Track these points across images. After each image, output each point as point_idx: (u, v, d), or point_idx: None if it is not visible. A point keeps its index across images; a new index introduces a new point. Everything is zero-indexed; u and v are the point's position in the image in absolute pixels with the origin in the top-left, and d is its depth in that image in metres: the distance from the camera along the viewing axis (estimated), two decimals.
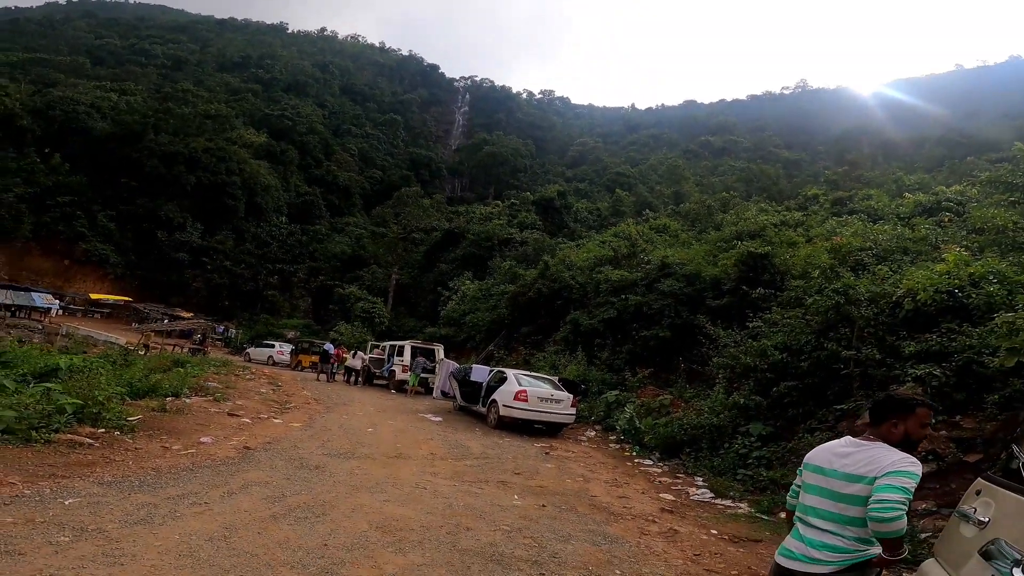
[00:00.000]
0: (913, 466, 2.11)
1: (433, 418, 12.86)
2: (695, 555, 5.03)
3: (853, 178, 47.10)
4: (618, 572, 4.40)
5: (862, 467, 2.18)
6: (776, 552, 2.41)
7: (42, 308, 34.45)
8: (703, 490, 7.88)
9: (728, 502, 7.35)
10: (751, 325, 11.41)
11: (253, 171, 57.62)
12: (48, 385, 7.62)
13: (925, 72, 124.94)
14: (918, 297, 8.21)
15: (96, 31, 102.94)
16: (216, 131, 59.18)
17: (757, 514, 6.83)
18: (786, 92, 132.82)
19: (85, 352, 16.39)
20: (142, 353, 22.59)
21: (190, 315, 43.82)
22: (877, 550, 2.16)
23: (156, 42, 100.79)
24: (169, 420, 8.56)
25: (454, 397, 14.69)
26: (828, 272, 10.30)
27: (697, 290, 15.46)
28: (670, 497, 7.47)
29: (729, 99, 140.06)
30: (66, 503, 4.45)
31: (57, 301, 39.28)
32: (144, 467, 5.94)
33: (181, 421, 8.61)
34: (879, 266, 10.44)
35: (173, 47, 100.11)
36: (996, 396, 6.08)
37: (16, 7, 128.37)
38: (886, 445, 2.22)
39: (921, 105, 79.01)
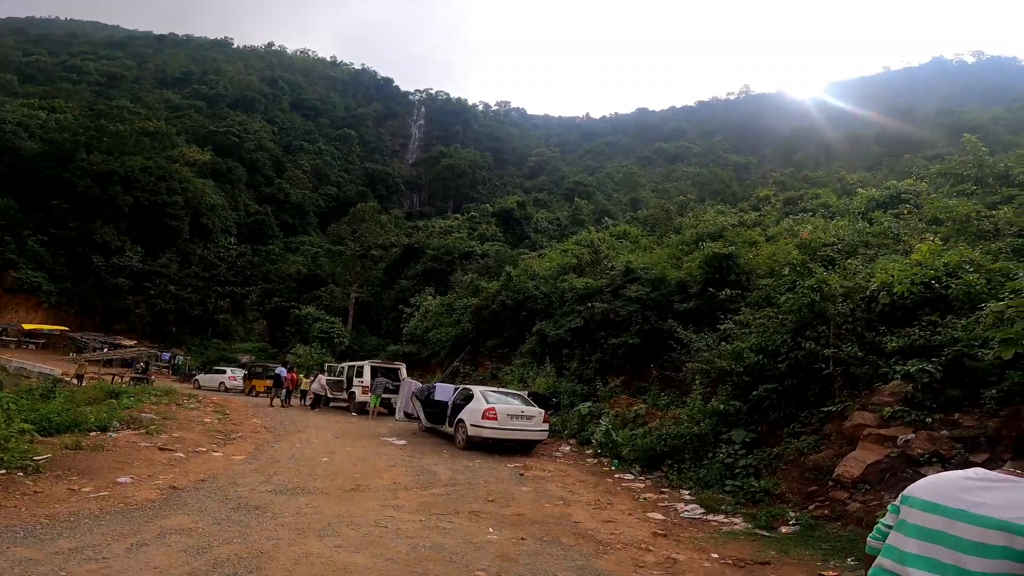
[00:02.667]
0: None
1: (396, 442, 11.93)
2: None
3: (800, 179, 49.08)
4: None
5: (1011, 508, 1.58)
6: None
7: None
8: (692, 506, 7.32)
9: (721, 517, 6.81)
10: (722, 327, 11.12)
11: (197, 190, 54.77)
12: None
13: (856, 74, 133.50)
14: (894, 290, 8.00)
15: (25, 47, 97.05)
16: (155, 149, 56.08)
17: (756, 530, 6.29)
18: (731, 97, 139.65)
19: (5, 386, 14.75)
20: (75, 384, 20.76)
21: (133, 343, 41.16)
22: None
23: (89, 58, 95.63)
24: (85, 458, 7.46)
25: (418, 418, 13.78)
26: (799, 268, 10.07)
27: (663, 294, 15.15)
28: (659, 516, 6.85)
29: (679, 105, 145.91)
30: None
31: None
32: (38, 514, 4.98)
33: (99, 459, 7.50)
34: (848, 260, 10.30)
35: (107, 63, 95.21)
36: (994, 391, 5.77)
37: None
38: None
39: (855, 106, 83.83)
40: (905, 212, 14.33)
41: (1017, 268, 7.38)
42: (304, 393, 20.51)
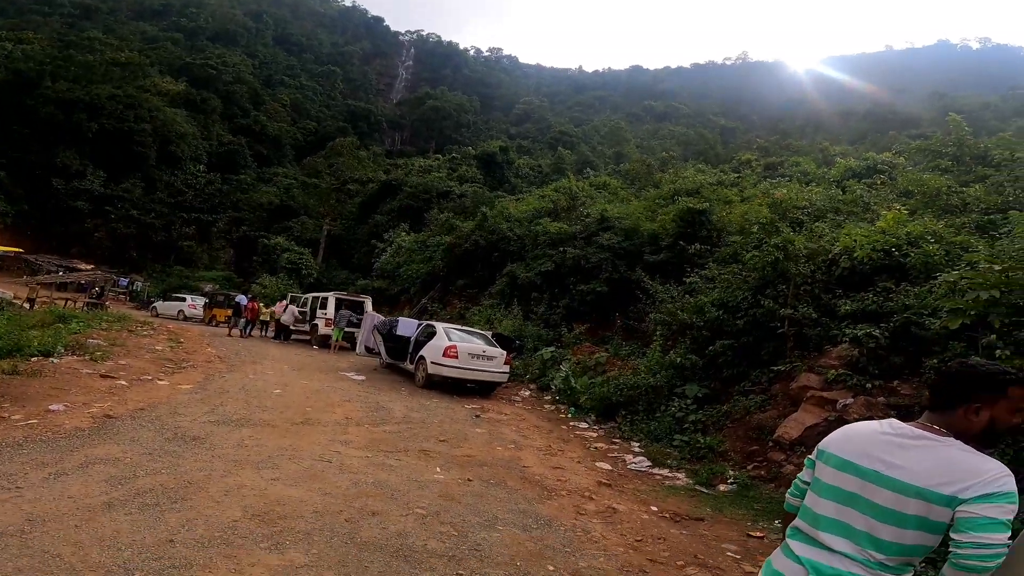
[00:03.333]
0: (1011, 481, 1.43)
1: (355, 377, 11.83)
2: (636, 540, 4.46)
3: (783, 146, 49.08)
4: (551, 568, 3.71)
5: (935, 476, 1.46)
6: (760, 573, 1.70)
7: None
8: (640, 458, 7.43)
9: (666, 472, 6.93)
10: (688, 281, 11.17)
11: (168, 119, 52.53)
12: None
13: (857, 50, 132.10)
14: (855, 255, 8.06)
15: None
16: (125, 79, 53.60)
17: (696, 486, 6.43)
18: (728, 63, 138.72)
19: None
20: (27, 308, 19.94)
21: (90, 267, 39.65)
22: None
23: None
24: (20, 384, 7.11)
25: (380, 354, 13.65)
26: (768, 227, 10.03)
27: (635, 245, 15.15)
28: (607, 467, 6.96)
29: (674, 66, 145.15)
30: None
31: None
32: None
33: (35, 385, 7.16)
34: (816, 223, 10.30)
35: None
36: (935, 360, 5.86)
37: None
38: (960, 443, 1.52)
39: (852, 81, 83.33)
40: (879, 183, 14.37)
41: (978, 243, 7.43)
42: (266, 324, 20.05)
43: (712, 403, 8.57)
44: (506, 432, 8.22)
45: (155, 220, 45.58)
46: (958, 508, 1.40)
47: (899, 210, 9.14)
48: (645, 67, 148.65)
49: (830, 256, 8.62)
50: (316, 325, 18.07)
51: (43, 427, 5.46)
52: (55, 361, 8.98)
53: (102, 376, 8.41)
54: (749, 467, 6.87)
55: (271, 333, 19.77)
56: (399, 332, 12.62)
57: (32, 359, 8.81)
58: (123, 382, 8.15)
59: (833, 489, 1.59)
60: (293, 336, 19.07)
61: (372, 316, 15.67)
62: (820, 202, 12.60)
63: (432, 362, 11.05)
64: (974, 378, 1.55)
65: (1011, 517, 1.39)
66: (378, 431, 7.19)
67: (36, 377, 7.56)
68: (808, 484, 1.72)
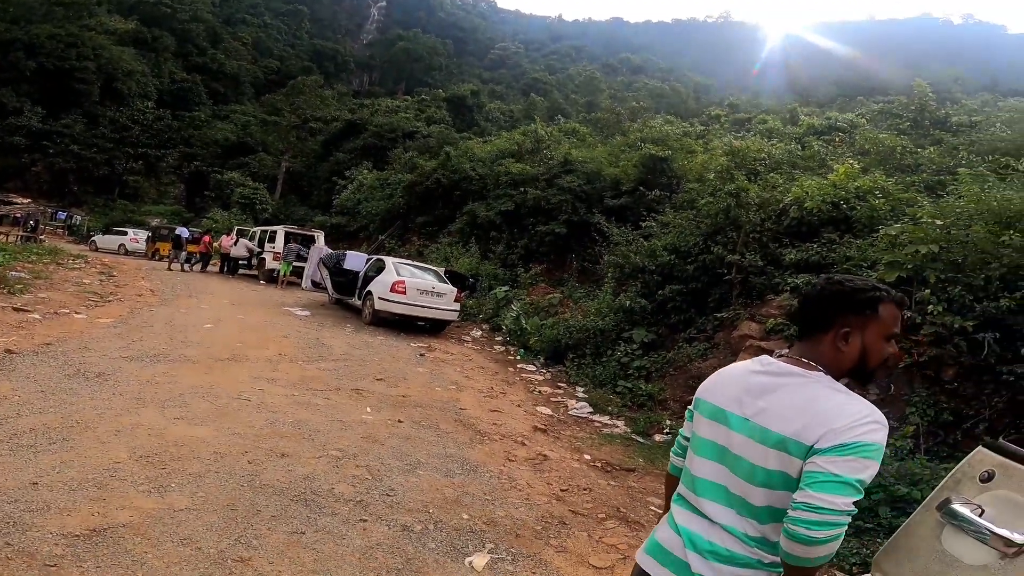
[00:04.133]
0: (877, 431, 1.13)
1: (299, 312, 11.43)
2: (562, 490, 4.35)
3: (754, 105, 48.90)
4: (465, 516, 3.56)
5: (795, 421, 1.18)
6: (642, 547, 1.42)
7: None
8: (582, 404, 7.35)
9: (606, 419, 6.87)
10: (644, 225, 11.08)
11: (114, 57, 49.26)
12: None
13: (839, 18, 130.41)
14: (805, 205, 8.06)
15: None
16: (68, 19, 49.19)
17: (633, 435, 6.37)
18: (709, 21, 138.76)
19: None
20: None
21: (27, 201, 37.20)
22: None
23: None
24: None
25: (327, 288, 13.17)
26: (724, 174, 9.93)
27: (596, 189, 15.05)
28: (547, 412, 6.87)
29: (655, 20, 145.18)
30: None
31: None
32: None
33: None
34: (771, 174, 10.22)
35: None
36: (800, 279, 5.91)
37: None
38: (828, 377, 1.25)
39: (831, 47, 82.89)
40: (836, 140, 14.40)
41: (923, 200, 7.44)
42: (225, 258, 18.71)
43: (658, 349, 8.58)
44: (449, 372, 8.08)
45: (97, 155, 43.35)
46: (808, 460, 1.13)
47: (851, 164, 9.09)
48: (626, 20, 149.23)
49: (781, 206, 8.59)
50: (264, 259, 17.35)
51: None
52: None
53: (15, 309, 7.78)
54: (685, 413, 6.91)
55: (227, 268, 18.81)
56: (347, 266, 12.14)
57: None
58: (36, 316, 7.56)
59: (707, 444, 1.32)
60: (241, 272, 18.31)
61: (320, 250, 15.04)
62: (778, 155, 12.63)
63: (380, 297, 10.71)
64: (839, 296, 1.27)
65: (863, 477, 1.09)
66: (311, 368, 6.93)
67: None
68: (688, 440, 1.46)
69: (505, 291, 12.97)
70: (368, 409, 5.60)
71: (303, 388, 5.96)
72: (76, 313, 8.02)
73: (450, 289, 11.15)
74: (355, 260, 12.24)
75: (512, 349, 10.55)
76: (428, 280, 11.13)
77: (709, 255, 8.60)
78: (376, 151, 36.39)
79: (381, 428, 5.06)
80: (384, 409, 5.71)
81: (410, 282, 10.64)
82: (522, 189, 16.42)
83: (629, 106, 40.22)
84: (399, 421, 5.37)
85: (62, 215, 35.84)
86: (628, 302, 9.19)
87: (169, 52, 62.15)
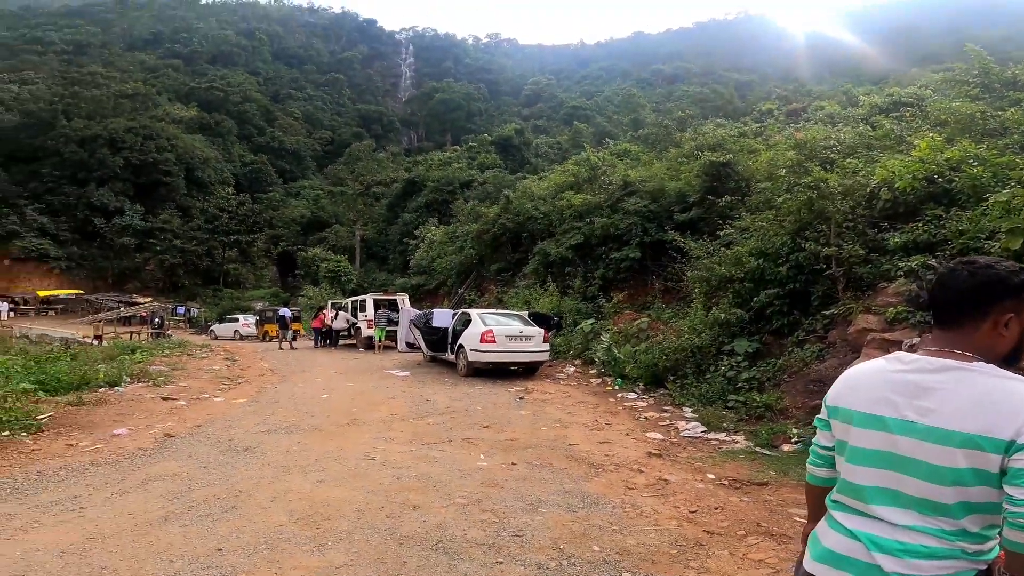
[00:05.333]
0: None
1: (400, 373, 12.02)
2: (691, 512, 4.26)
3: (803, 93, 46.71)
4: (596, 548, 3.57)
5: (980, 417, 1.14)
6: (808, 556, 1.39)
7: None
8: (694, 424, 7.14)
9: (722, 436, 6.64)
10: (723, 234, 10.83)
11: (187, 145, 54.48)
12: None
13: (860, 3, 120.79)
14: (895, 186, 7.57)
15: None
16: (137, 110, 55.49)
17: (756, 448, 6.13)
18: (729, 19, 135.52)
19: (22, 351, 15.12)
20: (95, 344, 21.31)
21: (148, 300, 41.94)
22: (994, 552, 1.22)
23: (51, 29, 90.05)
24: (87, 413, 7.55)
25: (421, 348, 13.81)
26: (796, 168, 9.57)
27: (662, 206, 14.88)
28: (658, 436, 6.74)
29: (676, 28, 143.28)
30: None
31: (5, 304, 37.04)
32: (29, 471, 5.03)
33: (100, 413, 7.59)
34: (847, 160, 9.70)
35: (71, 32, 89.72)
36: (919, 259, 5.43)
37: None
38: (991, 366, 1.20)
39: (858, 29, 78.78)
40: (907, 115, 13.50)
41: (1022, 161, 6.82)
42: (321, 331, 20.02)
43: (764, 358, 8.22)
44: (551, 411, 8.14)
45: (197, 247, 47.59)
46: (1015, 456, 1.09)
47: (932, 137, 8.51)
48: (647, 32, 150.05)
49: (868, 190, 8.13)
50: (359, 328, 18.48)
51: (108, 450, 5.75)
52: (121, 390, 9.50)
53: (164, 399, 8.85)
54: (814, 423, 6.52)
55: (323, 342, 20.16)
56: (435, 324, 12.71)
57: (99, 390, 9.34)
58: (183, 402, 8.54)
59: (864, 452, 1.28)
60: (341, 343, 19.61)
61: (408, 312, 15.87)
62: (849, 139, 12.00)
63: (471, 349, 11.09)
64: (996, 282, 1.21)
65: None
66: (422, 424, 7.25)
67: (102, 406, 8.00)
68: (830, 449, 1.43)
69: (591, 324, 12.95)
70: (482, 456, 5.77)
71: (418, 443, 6.25)
72: (215, 397, 8.97)
73: (537, 331, 11.36)
74: (442, 317, 12.82)
75: (609, 380, 10.43)
76: (514, 325, 11.42)
77: (801, 253, 8.22)
78: (438, 206, 37.80)
79: (497, 472, 5.19)
80: (496, 454, 5.85)
81: (498, 330, 10.97)
82: (588, 220, 16.49)
83: (675, 116, 39.84)
84: (513, 464, 5.48)
85: (181, 310, 39.99)
86: (723, 315, 8.91)
87: (233, 135, 67.53)
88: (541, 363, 11.68)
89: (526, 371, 11.54)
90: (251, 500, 4.24)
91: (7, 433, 6.33)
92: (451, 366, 12.35)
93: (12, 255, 43.62)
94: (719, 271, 9.55)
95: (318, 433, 6.62)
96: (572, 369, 11.95)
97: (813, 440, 1.54)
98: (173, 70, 79.50)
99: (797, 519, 4.14)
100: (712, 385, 8.19)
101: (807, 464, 1.56)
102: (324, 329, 19.71)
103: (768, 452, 5.98)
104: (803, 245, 8.17)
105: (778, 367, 7.72)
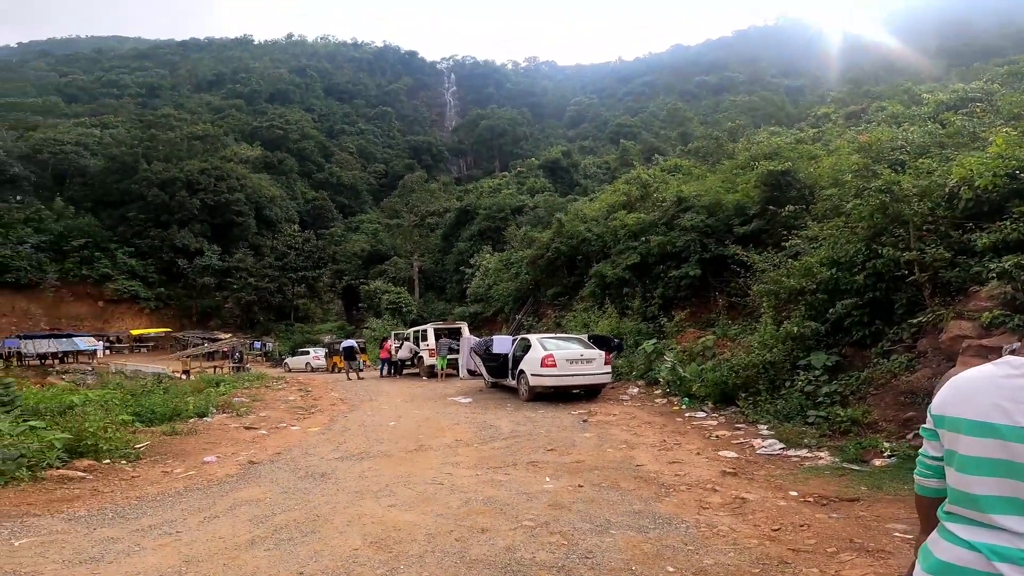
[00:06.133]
0: None
1: (463, 400, 12.16)
2: (773, 530, 4.05)
3: (860, 94, 44.46)
4: (671, 569, 3.45)
5: None
6: (919, 568, 1.33)
7: (87, 351, 35.39)
8: (770, 441, 6.84)
9: (804, 452, 6.32)
10: (788, 245, 10.42)
11: (255, 185, 57.57)
12: (32, 423, 7.17)
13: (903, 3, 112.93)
14: (976, 184, 7.08)
15: (58, 69, 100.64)
16: (208, 151, 58.71)
17: (844, 464, 5.80)
18: (769, 24, 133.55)
19: (119, 385, 16.48)
20: (184, 379, 23.00)
21: (228, 335, 44.72)
22: None
23: (123, 72, 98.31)
24: (179, 442, 8.12)
25: (482, 374, 13.96)
26: (863, 172, 9.12)
27: (721, 220, 14.48)
28: (731, 455, 6.48)
29: (715, 38, 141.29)
30: (15, 544, 3.95)
31: (100, 342, 40.54)
32: (129, 496, 5.42)
33: (191, 442, 8.14)
34: (919, 160, 9.13)
35: (141, 75, 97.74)
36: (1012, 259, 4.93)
37: None
38: None
39: (904, 26, 74.52)
40: (978, 111, 12.60)
41: None
42: (386, 361, 20.74)
43: (845, 371, 7.84)
44: (616, 433, 7.98)
45: (269, 284, 50.09)
46: None
47: (1007, 132, 7.92)
48: (685, 44, 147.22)
49: (947, 190, 7.63)
50: (421, 357, 18.91)
51: (199, 477, 6.15)
52: (208, 420, 10.18)
53: (246, 428, 9.39)
54: (909, 436, 6.13)
55: (386, 371, 20.77)
56: (495, 350, 12.84)
57: (190, 420, 10.05)
58: (264, 431, 9.02)
59: (979, 461, 1.23)
60: (404, 372, 20.15)
61: (469, 340, 16.11)
62: (919, 139, 11.34)
63: (532, 374, 11.10)
64: None
65: None
66: (486, 449, 7.29)
67: (193, 435, 8.58)
68: (939, 459, 1.38)
69: (653, 344, 12.68)
70: (547, 479, 5.71)
71: (484, 467, 6.28)
72: (291, 426, 9.42)
73: (598, 353, 11.25)
74: (502, 344, 12.95)
75: (675, 399, 10.14)
76: (575, 349, 11.36)
77: (879, 259, 7.77)
78: (491, 233, 38.39)
79: (564, 495, 5.12)
80: (562, 477, 5.78)
81: (558, 354, 10.95)
82: (643, 239, 16.24)
83: (725, 127, 38.88)
84: (579, 486, 5.40)
85: (257, 344, 42.39)
86: (796, 328, 8.52)
87: (295, 173, 70.67)
88: (603, 385, 11.52)
89: (588, 394, 11.40)
90: (328, 524, 4.39)
91: (108, 461, 6.91)
92: (512, 392, 12.39)
93: (106, 297, 47.68)
94: (788, 283, 9.17)
95: (388, 459, 6.79)
96: (635, 390, 11.70)
97: (920, 451, 1.48)
98: (236, 110, 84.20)
99: (896, 534, 3.89)
100: (789, 401, 7.86)
101: (915, 476, 1.50)
102: (390, 359, 20.32)
103: (857, 467, 5.68)
104: (880, 251, 7.76)
105: (862, 380, 7.36)
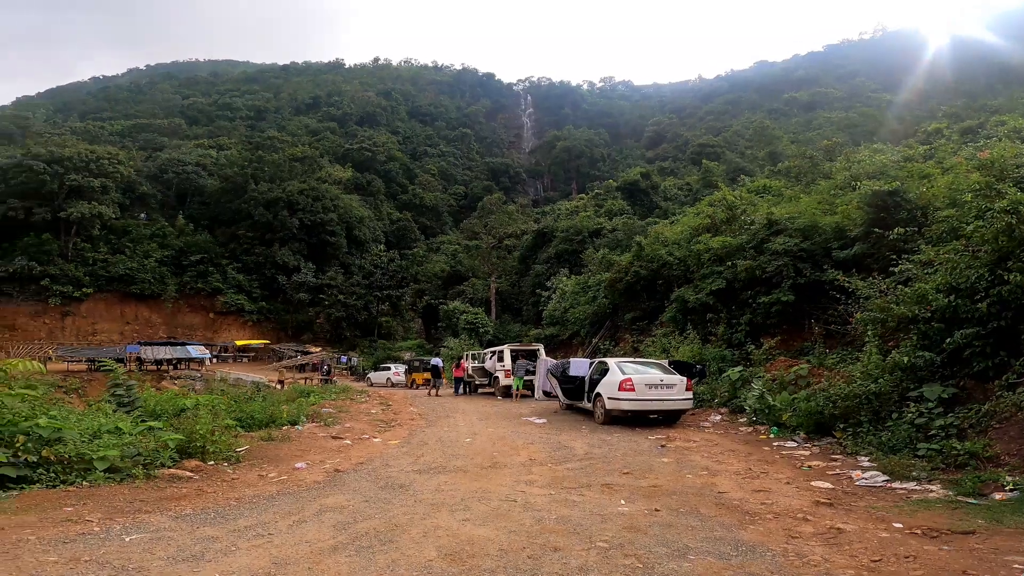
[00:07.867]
0: None
1: (537, 420, 12.11)
2: (873, 561, 3.72)
3: (976, 108, 40.06)
4: None
5: None
6: None
7: (198, 358, 39.17)
8: (872, 473, 6.35)
9: (912, 485, 5.83)
10: (898, 270, 9.64)
11: (347, 205, 60.82)
12: (151, 424, 7.95)
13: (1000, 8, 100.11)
14: None
15: (181, 91, 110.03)
16: (306, 172, 62.35)
17: (958, 497, 5.28)
18: (865, 37, 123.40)
19: (223, 392, 18.00)
20: (278, 388, 24.78)
21: (318, 349, 47.68)
22: None
23: (235, 95, 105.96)
24: (274, 448, 8.69)
25: (558, 396, 13.86)
26: (986, 192, 8.26)
27: (817, 243, 13.67)
28: (826, 485, 6.01)
29: (803, 53, 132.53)
30: (126, 540, 4.31)
31: (208, 351, 44.69)
32: (229, 497, 5.82)
33: (285, 448, 8.70)
34: None
35: (250, 98, 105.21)
36: None
37: (103, 75, 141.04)
38: None
39: (1018, 31, 65.98)
40: None
41: None
42: (460, 380, 21.29)
43: (963, 404, 7.21)
44: (696, 459, 7.61)
45: (357, 301, 52.78)
46: None
47: None
48: (771, 60, 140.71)
49: None
50: (497, 377, 19.11)
51: (290, 482, 6.55)
52: (299, 428, 10.86)
53: (333, 438, 9.92)
54: None
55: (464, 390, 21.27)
56: (572, 373, 12.73)
57: (284, 428, 10.76)
58: (348, 441, 9.49)
59: None
60: (480, 391, 20.44)
61: (545, 362, 16.08)
62: None
63: (609, 398, 10.89)
64: None
65: None
66: (560, 469, 7.19)
67: (287, 442, 9.18)
68: None
69: (739, 371, 12.04)
70: (622, 501, 5.56)
71: (558, 487, 6.20)
72: (373, 438, 9.86)
73: (679, 379, 10.88)
74: (579, 366, 12.83)
75: (762, 428, 9.56)
76: (654, 374, 11.07)
77: (1004, 286, 6.97)
78: (568, 256, 38.03)
79: (640, 518, 4.95)
80: (638, 500, 5.60)
81: (637, 379, 10.70)
82: (729, 263, 15.55)
83: (820, 146, 36.38)
84: (656, 510, 5.20)
85: (344, 359, 44.77)
86: (906, 358, 7.84)
87: (381, 194, 73.31)
88: (683, 412, 11.08)
89: (666, 420, 10.98)
90: (405, 534, 4.51)
91: (213, 462, 7.51)
92: (587, 414, 12.18)
93: (216, 309, 52.59)
94: (897, 311, 8.44)
95: (463, 474, 6.89)
96: (718, 418, 11.16)
97: None
98: (331, 132, 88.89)
99: (1016, 566, 3.54)
100: (896, 433, 7.32)
101: None
102: (463, 378, 20.75)
103: (974, 501, 5.19)
104: (1006, 277, 6.95)
105: (983, 413, 6.76)
